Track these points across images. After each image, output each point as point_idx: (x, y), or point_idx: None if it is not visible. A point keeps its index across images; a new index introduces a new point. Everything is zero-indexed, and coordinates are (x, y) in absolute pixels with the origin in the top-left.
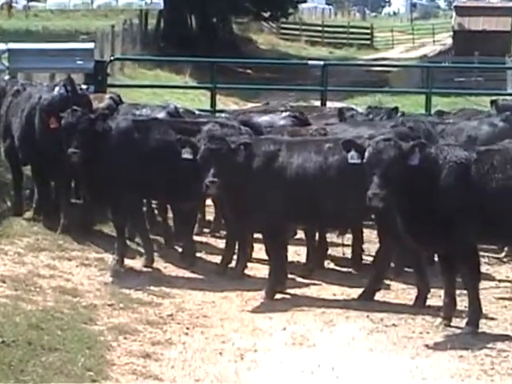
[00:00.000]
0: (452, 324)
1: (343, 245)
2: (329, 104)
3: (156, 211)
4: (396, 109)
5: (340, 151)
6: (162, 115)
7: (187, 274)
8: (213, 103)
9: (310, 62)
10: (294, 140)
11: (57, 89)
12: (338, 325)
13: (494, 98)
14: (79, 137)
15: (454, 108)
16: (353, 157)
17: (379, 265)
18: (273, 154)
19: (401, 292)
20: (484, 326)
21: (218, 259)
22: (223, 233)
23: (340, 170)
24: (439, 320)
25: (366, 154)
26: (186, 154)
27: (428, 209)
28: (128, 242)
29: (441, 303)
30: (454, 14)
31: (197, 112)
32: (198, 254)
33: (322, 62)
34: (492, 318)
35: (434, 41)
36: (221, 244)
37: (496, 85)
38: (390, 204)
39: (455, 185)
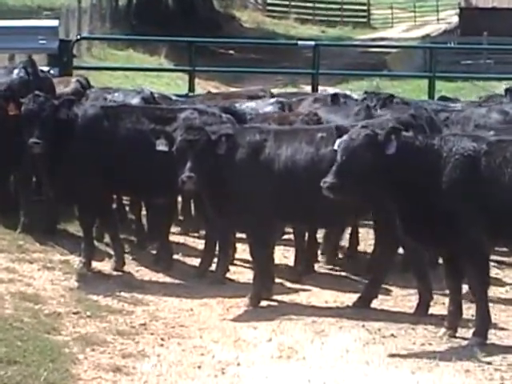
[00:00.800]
0: (457, 334)
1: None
2: (321, 89)
3: (127, 208)
4: (391, 96)
5: (334, 141)
6: (136, 101)
7: (162, 278)
8: (191, 88)
9: (299, 43)
10: (282, 129)
11: (16, 71)
12: (330, 335)
13: (505, 83)
14: (41, 125)
15: (481, 96)
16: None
17: (377, 268)
18: (258, 144)
19: (400, 299)
20: (493, 336)
21: (196, 262)
22: (202, 232)
23: (334, 162)
24: (443, 330)
25: (337, 142)
26: (161, 146)
27: (431, 206)
28: (96, 242)
29: (445, 311)
30: None
31: (174, 98)
32: (175, 256)
33: (313, 43)
34: (502, 328)
35: (438, 19)
36: (200, 245)
37: (507, 68)
38: (348, 195)
39: (462, 180)
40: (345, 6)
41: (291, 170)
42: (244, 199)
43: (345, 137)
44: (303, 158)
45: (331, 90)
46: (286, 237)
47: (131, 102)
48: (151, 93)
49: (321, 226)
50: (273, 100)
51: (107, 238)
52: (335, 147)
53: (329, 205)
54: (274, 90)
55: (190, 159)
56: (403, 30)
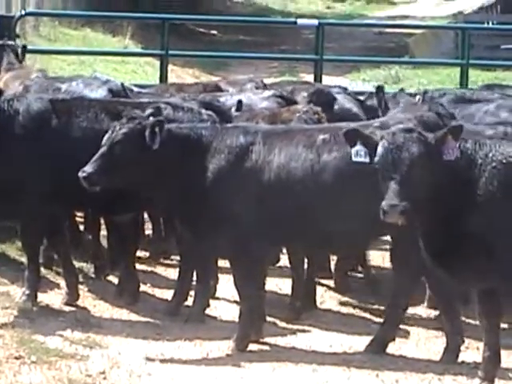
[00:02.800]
0: None
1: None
2: (326, 79)
3: (83, 227)
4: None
5: (339, 145)
6: (100, 94)
7: (125, 314)
8: (163, 76)
9: (299, 21)
10: (274, 129)
11: None
12: None
13: None
14: None
15: None
16: (358, 153)
17: (393, 304)
18: (243, 148)
19: (424, 342)
20: None
21: (168, 295)
22: (176, 258)
23: (340, 171)
24: (477, 381)
25: (380, 150)
26: None
27: (462, 226)
28: (43, 270)
29: (479, 358)
30: None
31: (135, 89)
32: (141, 288)
33: (316, 21)
34: None
35: None
36: (173, 273)
37: None
38: (412, 219)
39: (500, 193)
40: None
41: (285, 180)
42: (225, 215)
43: (386, 143)
44: (300, 166)
45: (339, 81)
46: (280, 264)
47: (95, 95)
48: (122, 84)
49: (323, 250)
50: (269, 93)
51: (57, 265)
52: (358, 158)
53: (333, 224)
54: (268, 80)
55: (99, 152)
56: (430, 5)
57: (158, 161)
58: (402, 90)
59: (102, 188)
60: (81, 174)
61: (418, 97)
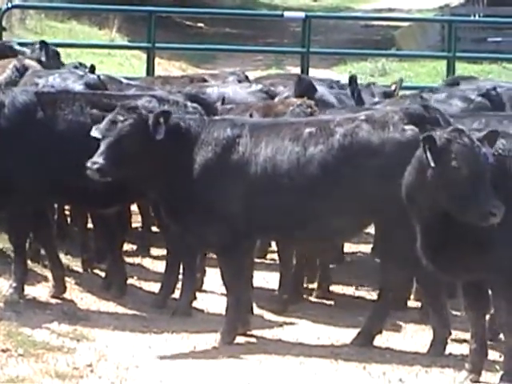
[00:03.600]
0: (482, 379)
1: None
2: (312, 72)
3: (69, 220)
4: None
5: (325, 138)
6: (77, 87)
7: (112, 307)
8: (150, 69)
9: (286, 14)
10: (260, 122)
11: None
12: (323, 380)
13: None
14: None
15: None
16: (429, 159)
17: (381, 297)
18: (230, 141)
19: (411, 335)
20: None
21: (155, 287)
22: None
23: (326, 164)
24: (464, 374)
25: (469, 156)
26: (97, 132)
27: (458, 222)
28: (30, 262)
29: (466, 350)
30: None
31: (124, 81)
32: (129, 281)
33: (302, 14)
34: None
35: None
36: (159, 266)
37: None
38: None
39: (492, 186)
40: None
41: (272, 173)
42: (212, 207)
43: (467, 149)
44: (287, 159)
45: (326, 74)
46: (268, 256)
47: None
48: (99, 77)
49: (311, 242)
50: (257, 87)
51: (44, 257)
52: (432, 164)
53: (321, 216)
54: (255, 73)
55: (106, 143)
56: None
57: (155, 153)
58: (369, 84)
59: (89, 181)
60: (92, 166)
61: (393, 86)
